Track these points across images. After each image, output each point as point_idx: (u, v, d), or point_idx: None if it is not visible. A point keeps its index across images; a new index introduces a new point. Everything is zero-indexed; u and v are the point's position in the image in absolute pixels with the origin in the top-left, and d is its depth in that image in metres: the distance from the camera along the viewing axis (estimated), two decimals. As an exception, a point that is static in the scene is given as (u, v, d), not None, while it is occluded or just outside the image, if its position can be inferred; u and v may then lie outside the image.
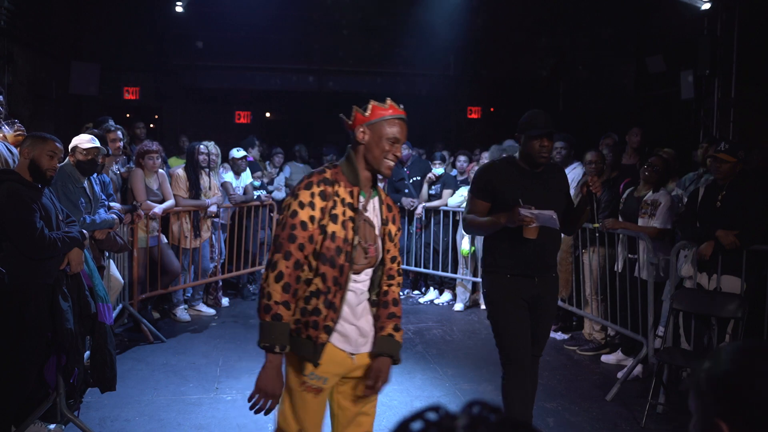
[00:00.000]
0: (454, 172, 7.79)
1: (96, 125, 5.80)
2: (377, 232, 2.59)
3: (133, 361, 5.32)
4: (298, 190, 2.48)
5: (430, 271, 7.70)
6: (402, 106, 2.56)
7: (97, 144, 4.69)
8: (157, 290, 6.20)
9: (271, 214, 7.82)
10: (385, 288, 2.68)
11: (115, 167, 5.93)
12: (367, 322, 2.62)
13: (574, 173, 5.93)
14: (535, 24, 11.32)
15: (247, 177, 7.46)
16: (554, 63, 12.24)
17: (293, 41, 11.41)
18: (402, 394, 4.73)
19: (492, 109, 13.06)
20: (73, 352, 3.68)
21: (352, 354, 2.56)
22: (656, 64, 9.38)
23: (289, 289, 2.41)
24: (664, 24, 9.65)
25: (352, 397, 2.66)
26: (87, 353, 4.07)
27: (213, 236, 6.94)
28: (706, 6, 8.20)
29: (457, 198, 7.17)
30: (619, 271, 5.36)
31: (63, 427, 3.94)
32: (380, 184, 2.71)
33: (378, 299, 2.66)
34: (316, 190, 2.46)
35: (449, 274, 7.53)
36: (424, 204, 7.60)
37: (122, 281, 5.59)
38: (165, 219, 6.30)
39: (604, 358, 5.60)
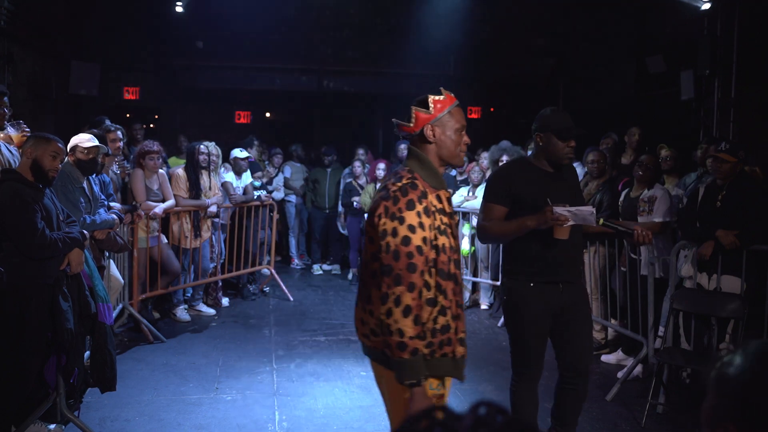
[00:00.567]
0: (453, 172, 7.78)
1: (92, 125, 5.78)
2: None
3: (133, 361, 5.32)
4: (400, 212, 2.30)
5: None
6: (453, 93, 2.52)
7: (97, 143, 4.69)
8: (157, 290, 6.20)
9: (271, 214, 7.82)
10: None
11: (114, 167, 5.93)
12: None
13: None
14: (535, 24, 11.30)
15: (247, 177, 7.46)
16: (554, 63, 12.23)
17: (293, 41, 11.38)
18: (402, 394, 4.73)
19: (492, 109, 13.05)
20: (73, 352, 3.68)
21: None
22: (656, 64, 9.38)
23: (419, 321, 2.31)
24: (664, 24, 9.64)
25: None
26: (87, 353, 4.07)
27: (213, 236, 6.95)
28: (706, 6, 8.19)
29: (457, 198, 7.17)
30: (625, 269, 5.35)
31: (63, 427, 3.94)
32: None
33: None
34: (419, 207, 2.32)
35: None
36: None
37: (122, 281, 5.59)
38: (165, 219, 6.31)
39: (604, 358, 5.60)
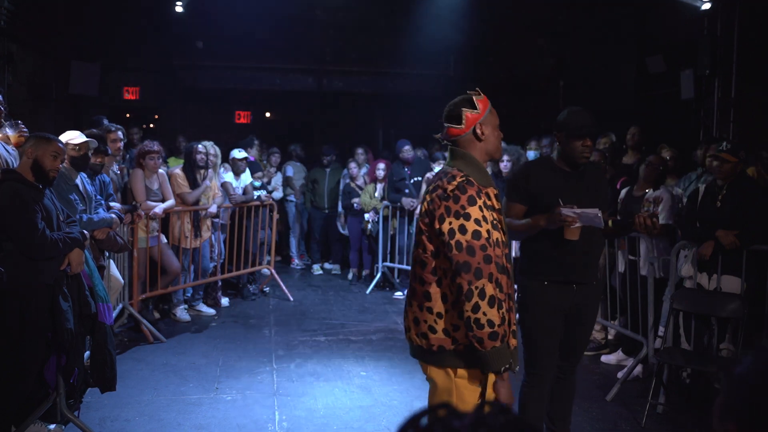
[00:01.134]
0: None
1: (91, 125, 5.77)
2: None
3: (133, 361, 5.32)
4: (463, 209, 2.37)
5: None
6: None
7: (86, 138, 4.66)
8: (157, 290, 6.20)
9: (271, 214, 7.82)
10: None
11: (115, 167, 5.93)
12: None
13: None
14: (535, 24, 11.30)
15: (247, 177, 7.46)
16: (554, 63, 12.23)
17: (293, 41, 11.38)
18: (402, 394, 4.73)
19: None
20: (73, 352, 3.68)
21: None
22: (656, 64, 9.37)
23: (500, 309, 2.37)
24: (664, 24, 9.64)
25: None
26: (87, 353, 4.07)
27: (213, 236, 6.95)
28: (706, 6, 8.19)
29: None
30: (621, 271, 5.36)
31: (63, 427, 3.94)
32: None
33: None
34: (480, 202, 2.40)
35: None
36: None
37: (122, 281, 5.59)
38: (165, 219, 6.31)
39: (604, 358, 5.60)
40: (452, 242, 2.37)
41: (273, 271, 7.76)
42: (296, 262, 9.44)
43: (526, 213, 3.41)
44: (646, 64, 9.57)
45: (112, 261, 5.35)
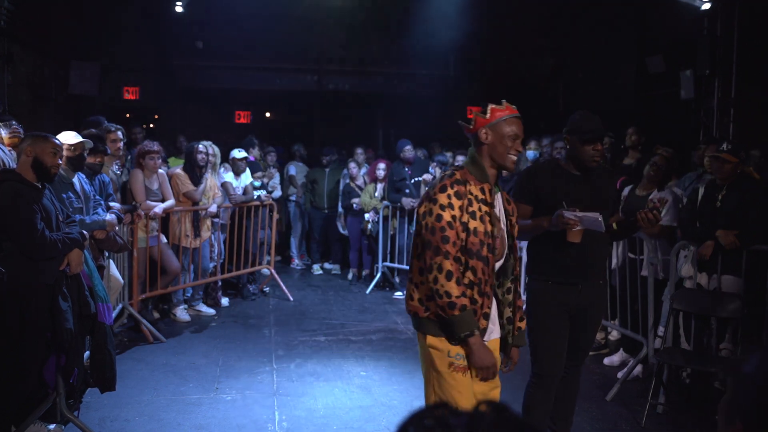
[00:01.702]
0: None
1: (88, 125, 5.73)
2: (503, 224, 2.89)
3: (132, 361, 5.31)
4: (435, 195, 2.73)
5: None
6: (515, 106, 2.85)
7: (81, 138, 4.65)
8: (157, 290, 6.20)
9: (271, 214, 7.82)
10: (519, 303, 2.96)
11: (114, 167, 5.93)
12: (494, 310, 2.91)
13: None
14: (535, 24, 11.31)
15: (246, 177, 7.46)
16: (554, 63, 12.24)
17: (293, 41, 11.38)
18: (402, 394, 4.73)
19: (492, 109, 13.05)
20: (72, 352, 3.68)
21: (485, 340, 2.81)
22: (656, 64, 9.38)
23: (460, 282, 2.67)
24: (664, 24, 9.64)
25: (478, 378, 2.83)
26: (87, 353, 4.07)
27: (212, 236, 6.95)
28: (706, 6, 8.20)
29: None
30: (616, 266, 5.34)
31: (63, 427, 3.93)
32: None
33: (514, 288, 2.95)
34: (451, 191, 2.72)
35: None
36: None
37: (122, 281, 5.59)
38: (165, 219, 6.31)
39: (606, 360, 5.55)
40: (423, 223, 2.75)
41: (273, 271, 7.76)
42: (296, 262, 9.43)
43: (532, 214, 3.46)
44: (646, 64, 9.57)
45: (111, 261, 5.35)
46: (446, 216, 2.68)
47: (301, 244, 9.58)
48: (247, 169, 7.51)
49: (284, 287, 7.61)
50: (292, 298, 7.51)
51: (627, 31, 10.35)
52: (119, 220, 5.01)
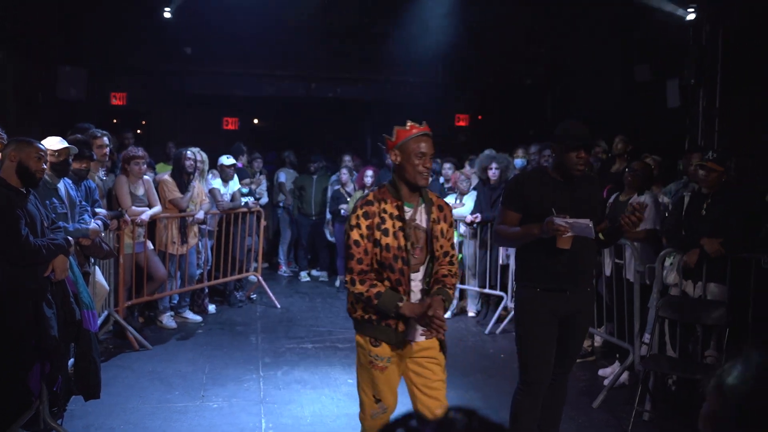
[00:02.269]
0: (441, 179, 7.80)
1: (75, 132, 5.69)
2: (423, 233, 3.04)
3: (118, 368, 5.27)
4: (349, 215, 3.02)
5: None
6: (424, 123, 3.01)
7: (66, 144, 4.62)
8: (143, 297, 6.16)
9: (259, 221, 7.79)
10: (437, 276, 3.09)
11: (101, 173, 5.89)
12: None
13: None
14: (523, 32, 11.37)
15: (235, 184, 7.44)
16: (542, 71, 12.30)
17: (281, 48, 11.37)
18: (389, 402, 4.71)
19: (480, 117, 13.09)
20: (57, 359, 3.65)
21: (412, 341, 3.03)
22: (642, 73, 9.48)
23: (365, 282, 2.95)
24: (650, 34, 9.73)
25: (422, 372, 3.09)
26: (71, 361, 4.04)
27: (200, 243, 6.91)
28: (691, 17, 8.30)
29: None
30: (608, 275, 5.37)
31: (46, 435, 3.89)
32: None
33: (430, 285, 3.09)
34: (359, 212, 2.98)
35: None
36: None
37: (107, 288, 5.55)
38: (151, 225, 6.27)
39: (601, 372, 5.54)
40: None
41: (260, 277, 7.73)
42: (284, 269, 9.40)
43: (521, 221, 3.47)
44: (634, 72, 9.66)
45: (97, 267, 5.31)
46: (354, 235, 2.96)
47: (290, 251, 9.54)
48: (236, 176, 7.49)
49: (271, 294, 7.58)
50: (279, 305, 7.48)
51: (615, 41, 10.44)
52: (105, 226, 4.98)
